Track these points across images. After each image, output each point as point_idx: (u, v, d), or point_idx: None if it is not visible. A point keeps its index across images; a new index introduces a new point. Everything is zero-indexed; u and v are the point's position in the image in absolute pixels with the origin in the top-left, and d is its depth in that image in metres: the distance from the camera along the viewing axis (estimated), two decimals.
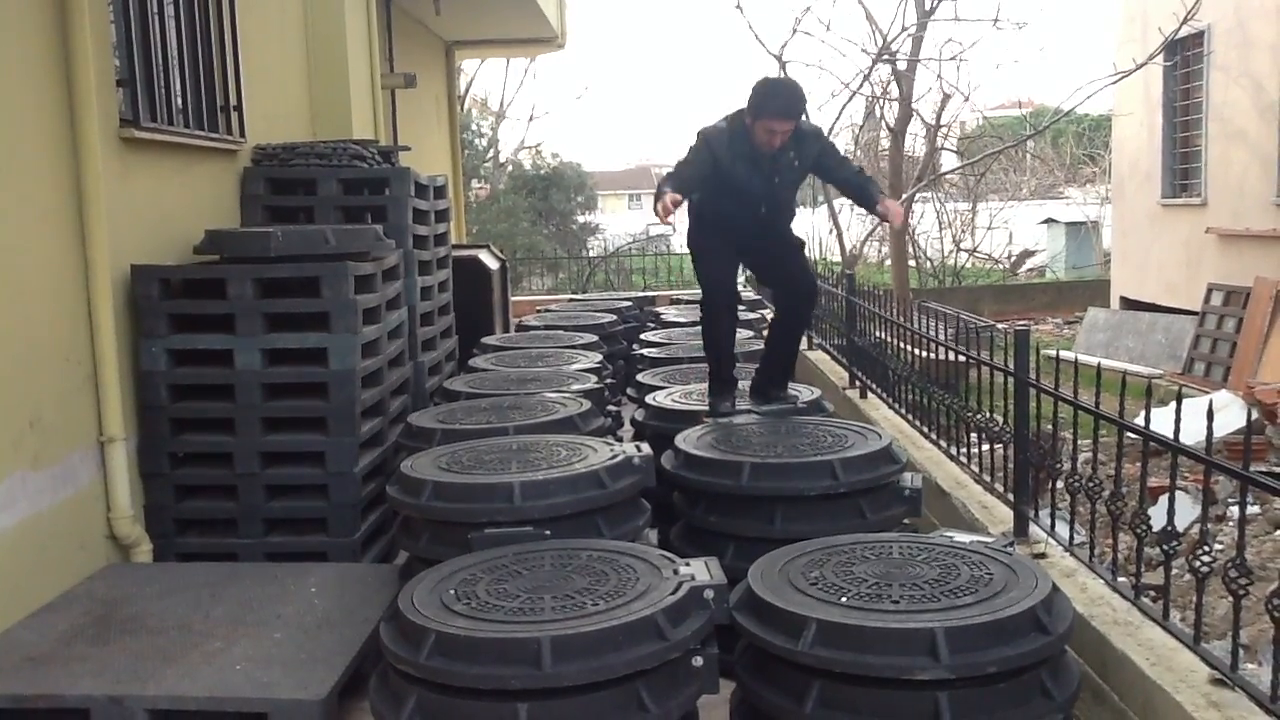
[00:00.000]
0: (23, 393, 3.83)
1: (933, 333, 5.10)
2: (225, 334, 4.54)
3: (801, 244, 4.90)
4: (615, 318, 8.38)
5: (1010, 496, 3.92)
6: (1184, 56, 12.31)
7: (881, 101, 15.24)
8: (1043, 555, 3.57)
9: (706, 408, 4.74)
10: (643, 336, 7.72)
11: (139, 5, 4.77)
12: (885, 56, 13.38)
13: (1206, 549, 2.75)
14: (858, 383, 6.45)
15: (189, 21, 5.27)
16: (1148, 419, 3.05)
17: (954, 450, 4.72)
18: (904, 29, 13.29)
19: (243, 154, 5.77)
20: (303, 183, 5.73)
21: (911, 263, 18.33)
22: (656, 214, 4.35)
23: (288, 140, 6.08)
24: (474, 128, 24.31)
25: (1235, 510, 5.93)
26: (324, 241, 4.77)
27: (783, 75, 11.77)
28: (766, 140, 4.38)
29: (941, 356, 4.91)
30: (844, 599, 2.77)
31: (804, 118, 4.57)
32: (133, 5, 4.71)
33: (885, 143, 16.89)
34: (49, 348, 4.02)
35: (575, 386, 5.33)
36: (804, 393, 5.10)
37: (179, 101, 5.14)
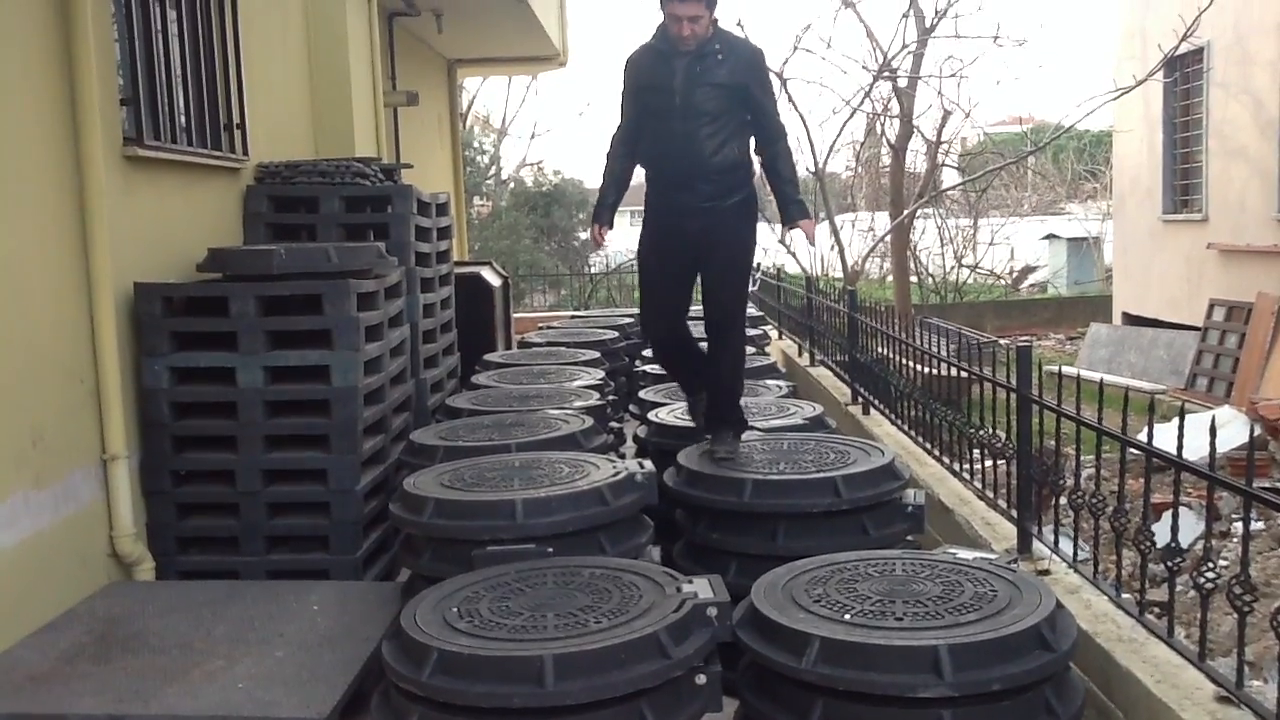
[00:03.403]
0: (25, 410, 3.83)
1: (935, 349, 5.09)
2: (227, 351, 4.54)
3: (750, 261, 4.52)
4: (617, 334, 8.37)
5: (1013, 513, 3.91)
6: (1184, 73, 12.35)
7: (883, 118, 15.31)
8: (1046, 572, 3.56)
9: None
10: (645, 353, 7.71)
11: (143, 24, 4.79)
12: (886, 74, 13.42)
13: (1210, 565, 2.74)
14: (860, 399, 6.45)
15: (192, 40, 5.29)
16: (1150, 435, 3.05)
17: (957, 466, 4.72)
18: (905, 46, 13.35)
19: (245, 172, 5.79)
20: (305, 200, 5.75)
21: (913, 279, 18.36)
22: (593, 241, 4.35)
23: (290, 158, 6.10)
24: (476, 145, 24.39)
25: (1239, 526, 5.91)
26: (326, 259, 4.78)
27: None
28: (676, 32, 4.11)
29: (944, 372, 4.91)
30: (847, 616, 2.77)
31: (742, 31, 4.36)
32: (137, 24, 4.73)
33: (886, 159, 16.93)
34: (52, 365, 4.02)
35: (577, 403, 5.33)
36: (806, 409, 5.10)
37: (182, 120, 5.15)
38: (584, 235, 23.62)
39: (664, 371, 4.83)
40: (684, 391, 4.73)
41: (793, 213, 4.38)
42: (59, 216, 4.10)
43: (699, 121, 4.17)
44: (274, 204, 5.77)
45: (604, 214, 4.53)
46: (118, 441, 4.30)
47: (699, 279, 4.43)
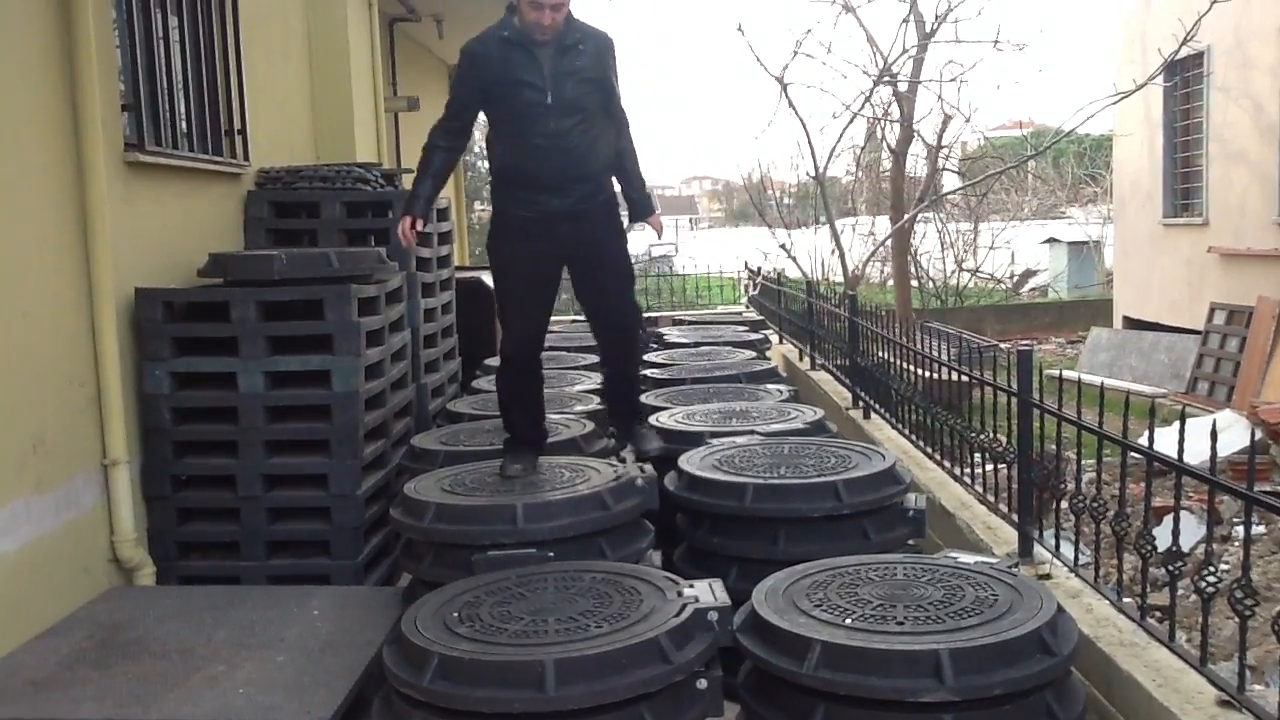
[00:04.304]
0: (26, 416, 3.84)
1: (936, 353, 5.10)
2: (228, 356, 4.54)
3: (630, 259, 4.32)
4: None
5: (1014, 517, 3.91)
6: (1184, 77, 12.36)
7: (883, 123, 15.30)
8: (1047, 576, 3.56)
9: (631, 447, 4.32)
10: (645, 357, 7.71)
11: (144, 30, 4.80)
12: (886, 78, 13.43)
13: (1211, 569, 2.74)
14: (861, 403, 6.44)
15: (194, 46, 5.30)
16: (1151, 439, 3.05)
17: (958, 471, 4.72)
18: (905, 51, 13.36)
19: (246, 177, 5.80)
20: (306, 206, 5.75)
21: (914, 283, 18.35)
22: (402, 236, 4.03)
23: (291, 163, 6.11)
24: (477, 150, 24.40)
25: (1240, 530, 5.90)
26: (327, 264, 4.79)
27: None
28: (536, 19, 3.81)
29: (944, 377, 4.90)
30: (848, 621, 2.76)
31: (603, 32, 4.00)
32: (138, 30, 4.74)
33: (887, 164, 16.94)
34: (53, 371, 4.02)
35: (578, 407, 5.33)
36: (807, 413, 5.10)
37: (184, 125, 5.16)
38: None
39: (501, 406, 4.32)
40: (515, 434, 4.20)
41: (645, 208, 4.26)
42: (60, 221, 4.11)
43: (573, 119, 3.91)
44: (275, 209, 5.78)
45: (417, 205, 4.08)
46: (118, 446, 4.30)
47: (577, 289, 4.23)
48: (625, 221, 4.31)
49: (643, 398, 5.79)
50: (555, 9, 3.81)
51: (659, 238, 4.54)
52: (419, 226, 4.09)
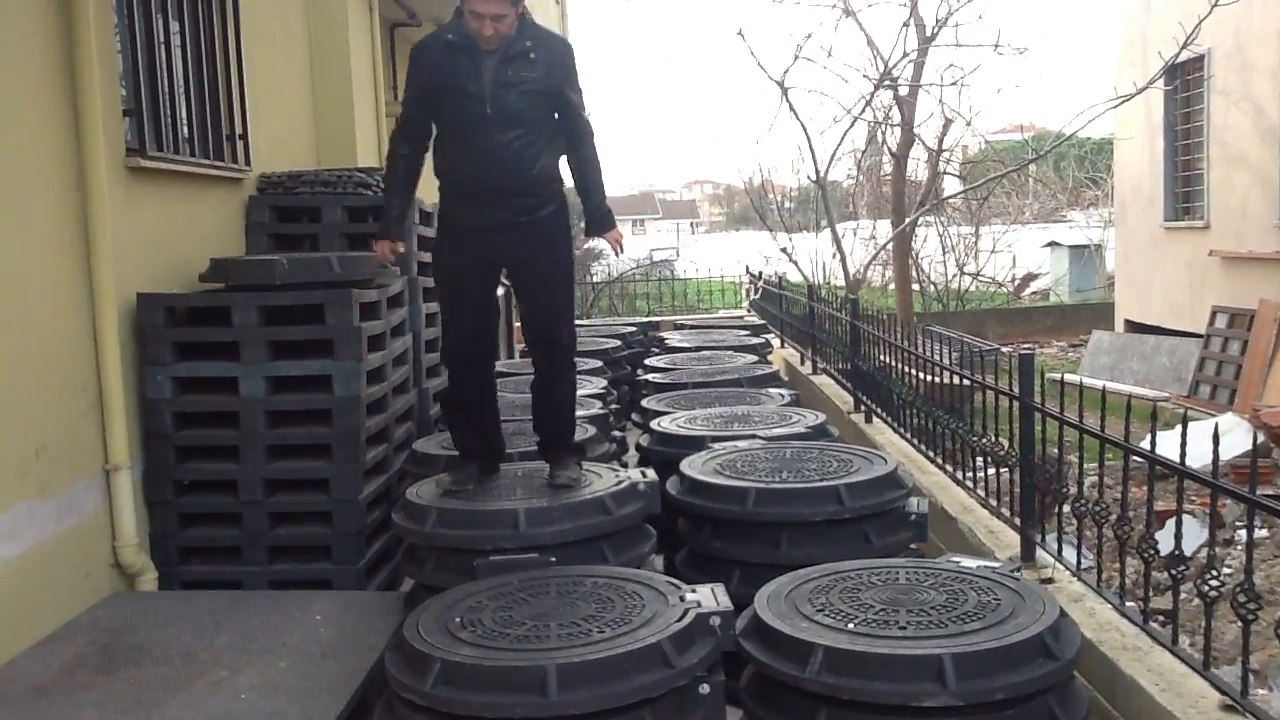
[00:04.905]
0: (29, 421, 3.84)
1: (937, 356, 5.10)
2: (230, 361, 4.54)
3: (571, 275, 4.11)
4: (619, 343, 8.39)
5: (1017, 521, 3.91)
6: (1184, 80, 12.36)
7: (884, 127, 15.29)
8: (1050, 580, 3.56)
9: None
10: (647, 362, 7.72)
11: (146, 35, 4.81)
12: (887, 82, 13.43)
13: (1214, 573, 2.74)
14: (863, 407, 6.44)
15: (195, 51, 5.31)
16: (1153, 442, 3.05)
17: (960, 475, 4.71)
18: (905, 55, 13.35)
19: (248, 182, 5.80)
20: (307, 210, 5.76)
21: (915, 287, 18.34)
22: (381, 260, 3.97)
23: (293, 168, 6.12)
24: None
25: (1243, 534, 5.90)
26: (329, 269, 4.79)
27: None
28: (477, 29, 3.69)
29: (946, 380, 4.91)
30: (851, 625, 2.76)
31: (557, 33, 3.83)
32: (139, 35, 4.75)
33: (888, 168, 16.93)
34: (55, 376, 4.03)
35: (580, 412, 5.32)
36: (809, 417, 5.10)
37: (185, 130, 5.17)
38: (589, 244, 23.66)
39: (449, 425, 4.24)
40: (463, 451, 4.09)
41: (604, 223, 4.09)
42: (62, 227, 4.11)
43: (514, 131, 3.77)
44: (276, 214, 5.78)
45: (392, 227, 4.05)
46: (120, 452, 4.30)
47: (515, 299, 4.04)
48: (582, 235, 4.14)
49: (648, 402, 5.82)
50: (496, 19, 3.67)
51: (618, 254, 4.40)
52: (400, 250, 4.06)
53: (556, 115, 3.91)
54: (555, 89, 3.84)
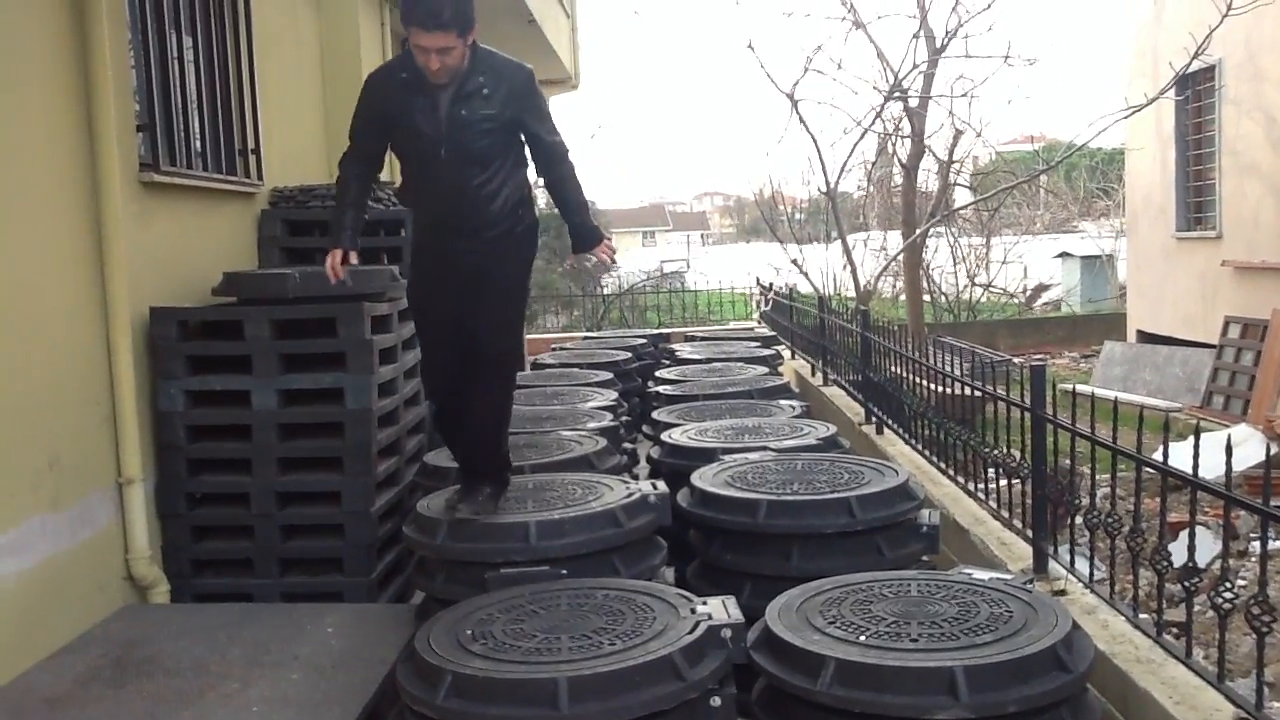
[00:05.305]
0: (42, 434, 3.86)
1: (948, 368, 5.09)
2: (242, 375, 4.56)
3: (524, 290, 3.99)
4: (630, 355, 8.38)
5: (1029, 533, 3.90)
6: (1195, 90, 12.34)
7: (894, 138, 15.31)
8: (1062, 592, 3.54)
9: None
10: (658, 374, 7.70)
11: (159, 50, 4.85)
12: (897, 94, 13.43)
13: (1228, 585, 2.72)
14: (874, 419, 6.43)
15: (208, 66, 5.35)
16: (1166, 454, 3.04)
17: (971, 486, 4.70)
18: (915, 66, 13.35)
19: (260, 196, 5.83)
20: (319, 224, 5.78)
21: (926, 298, 18.33)
22: (331, 272, 3.82)
23: (305, 182, 6.15)
24: None
25: (1257, 546, 5.86)
26: (340, 282, 4.80)
27: None
28: (424, 64, 3.53)
29: (957, 392, 4.89)
30: (862, 638, 2.76)
31: (513, 59, 3.71)
32: (153, 50, 4.78)
33: (898, 179, 16.94)
34: (68, 389, 4.05)
35: (591, 424, 5.33)
36: (819, 429, 5.09)
37: (198, 145, 5.20)
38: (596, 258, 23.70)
39: (445, 441, 4.18)
40: (466, 468, 3.95)
41: (590, 239, 3.96)
42: (76, 241, 4.14)
43: (471, 171, 3.65)
44: (288, 228, 5.81)
45: (345, 238, 3.85)
46: (133, 464, 4.32)
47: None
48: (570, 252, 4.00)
49: (658, 414, 5.80)
50: (442, 53, 3.50)
51: (609, 265, 4.36)
52: (352, 261, 3.89)
53: (523, 146, 3.81)
54: (515, 121, 3.72)
